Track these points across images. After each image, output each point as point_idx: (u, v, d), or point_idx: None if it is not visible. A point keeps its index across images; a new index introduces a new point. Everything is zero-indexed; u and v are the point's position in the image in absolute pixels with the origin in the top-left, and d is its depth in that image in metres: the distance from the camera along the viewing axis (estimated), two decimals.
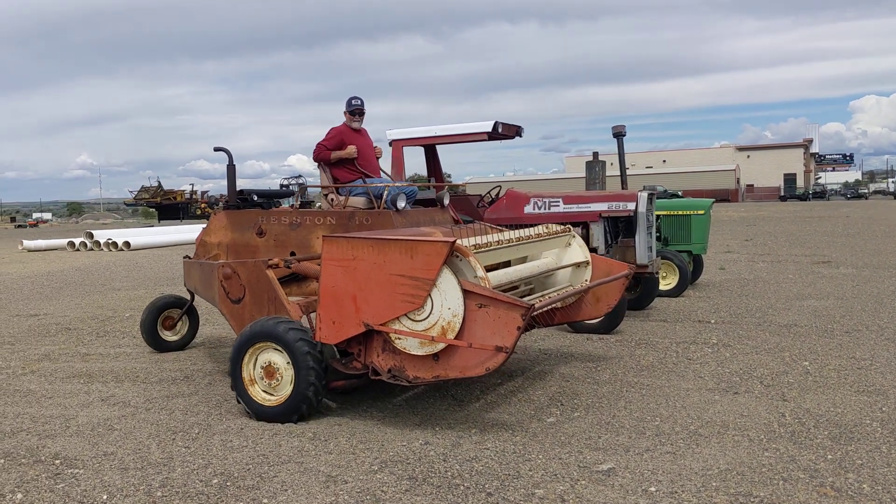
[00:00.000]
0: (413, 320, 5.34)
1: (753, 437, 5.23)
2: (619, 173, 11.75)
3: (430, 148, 11.22)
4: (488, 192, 10.99)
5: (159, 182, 51.66)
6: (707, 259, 14.57)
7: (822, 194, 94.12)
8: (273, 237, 7.51)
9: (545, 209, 10.00)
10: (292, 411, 5.78)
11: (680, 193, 56.62)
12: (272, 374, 5.92)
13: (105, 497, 4.48)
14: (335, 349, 5.98)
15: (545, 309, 6.76)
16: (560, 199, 9.99)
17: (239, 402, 6.04)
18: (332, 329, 5.67)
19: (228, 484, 4.62)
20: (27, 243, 30.55)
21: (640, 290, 10.36)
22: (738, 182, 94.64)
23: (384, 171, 8.57)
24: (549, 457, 4.93)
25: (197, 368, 7.74)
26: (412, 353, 5.41)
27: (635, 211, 9.61)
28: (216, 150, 8.36)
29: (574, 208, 9.91)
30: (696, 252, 12.64)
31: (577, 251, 7.31)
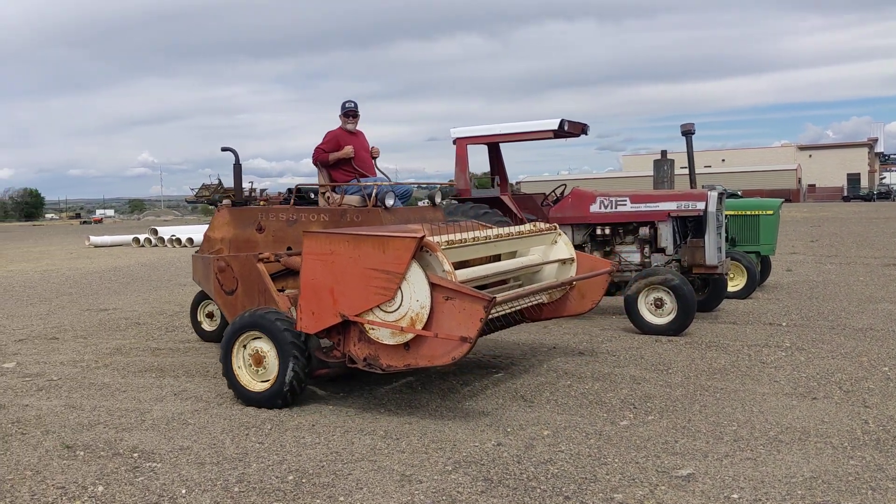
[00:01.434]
0: (385, 311, 5.65)
1: (837, 445, 5.06)
2: (686, 172, 11.52)
3: (493, 146, 11.15)
4: (553, 191, 10.88)
5: (220, 180, 52.58)
6: (773, 260, 14.20)
7: (887, 195, 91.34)
8: (272, 233, 7.75)
9: (612, 208, 9.85)
10: (277, 396, 6.10)
11: (739, 193, 55.42)
12: (259, 361, 6.25)
13: (184, 491, 4.53)
14: (316, 339, 6.22)
15: (528, 304, 7.10)
16: (627, 198, 9.82)
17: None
18: (312, 319, 5.97)
19: (304, 481, 4.63)
20: (94, 239, 31.37)
21: (709, 292, 10.15)
22: (799, 182, 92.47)
23: (380, 171, 8.81)
24: (625, 461, 4.83)
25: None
26: (385, 342, 5.72)
27: (705, 210, 9.40)
28: (223, 149, 8.58)
29: (642, 207, 9.74)
30: (764, 253, 12.34)
31: (563, 248, 7.53)
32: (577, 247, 10.09)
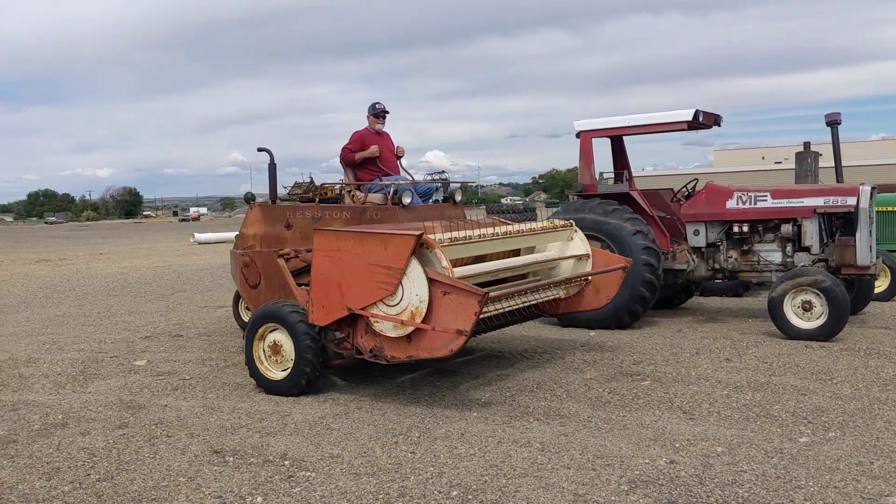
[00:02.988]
0: (387, 305, 5.93)
1: None
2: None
3: (617, 139, 10.67)
4: (684, 186, 10.32)
5: (311, 178, 53.71)
6: None
7: None
8: (298, 230, 7.95)
9: (751, 204, 9.24)
10: (294, 385, 6.48)
11: None
12: (277, 351, 6.62)
13: None
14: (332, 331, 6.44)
15: (543, 299, 7.16)
16: (768, 194, 9.19)
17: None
18: (322, 312, 6.31)
19: (469, 497, 4.33)
20: (198, 236, 32.02)
21: (854, 294, 9.43)
22: None
23: (405, 170, 9.02)
24: (820, 484, 4.36)
25: (395, 368, 7.54)
26: (388, 335, 6.00)
27: (856, 207, 8.71)
28: (259, 150, 8.69)
29: (784, 203, 9.10)
30: None
31: (579, 245, 7.65)
32: (711, 245, 9.57)
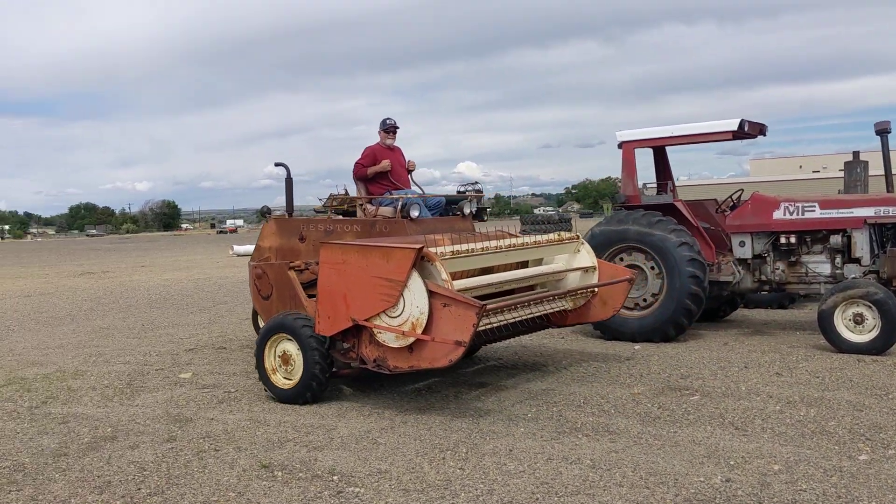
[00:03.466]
0: (390, 316, 6.11)
1: None
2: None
3: (659, 149, 10.56)
4: (729, 197, 10.17)
5: (346, 190, 54.13)
6: None
7: None
8: (312, 242, 8.03)
9: (798, 215, 9.07)
10: (302, 394, 6.69)
11: None
12: (287, 360, 6.82)
13: None
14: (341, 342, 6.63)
15: (551, 311, 7.27)
16: (816, 204, 9.02)
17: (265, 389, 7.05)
18: (328, 323, 6.50)
19: None
20: (237, 248, 32.20)
21: None
22: None
23: (415, 184, 9.13)
24: None
25: (439, 381, 7.53)
26: (390, 345, 6.17)
27: None
28: (276, 165, 8.74)
29: (833, 214, 8.92)
30: None
31: (585, 257, 7.74)
32: (757, 257, 9.41)
